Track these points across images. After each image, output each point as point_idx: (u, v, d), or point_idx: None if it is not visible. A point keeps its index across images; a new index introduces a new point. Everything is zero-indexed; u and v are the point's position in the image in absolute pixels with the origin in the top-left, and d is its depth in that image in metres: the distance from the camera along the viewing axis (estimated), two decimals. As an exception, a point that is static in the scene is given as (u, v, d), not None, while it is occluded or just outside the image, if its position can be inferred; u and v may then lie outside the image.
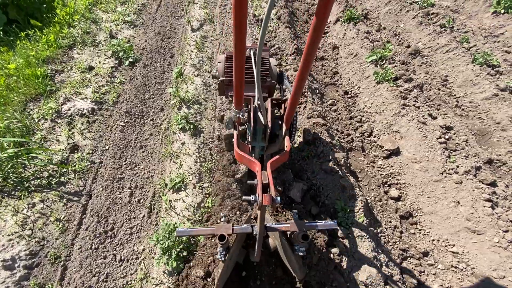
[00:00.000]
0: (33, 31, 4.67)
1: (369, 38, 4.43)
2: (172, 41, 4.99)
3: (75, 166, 3.02)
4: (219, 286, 1.75)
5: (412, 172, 2.87)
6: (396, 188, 2.85)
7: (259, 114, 1.79)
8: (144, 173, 3.04)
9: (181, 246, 2.23)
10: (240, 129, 1.94)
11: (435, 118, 3.24)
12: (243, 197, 1.61)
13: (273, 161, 1.66)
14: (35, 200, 2.74)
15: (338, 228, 2.03)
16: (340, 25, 4.88)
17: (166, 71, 4.38)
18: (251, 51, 2.13)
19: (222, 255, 1.62)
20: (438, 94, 3.80)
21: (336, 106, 3.68)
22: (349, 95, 3.88)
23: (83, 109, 3.59)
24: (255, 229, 1.62)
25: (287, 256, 1.75)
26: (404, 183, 2.86)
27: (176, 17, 5.60)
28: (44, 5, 5.39)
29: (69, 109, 3.56)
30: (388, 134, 3.22)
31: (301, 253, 1.64)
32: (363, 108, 3.65)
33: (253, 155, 2.09)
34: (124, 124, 3.48)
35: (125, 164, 3.10)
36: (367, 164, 3.08)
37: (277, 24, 4.88)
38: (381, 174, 2.98)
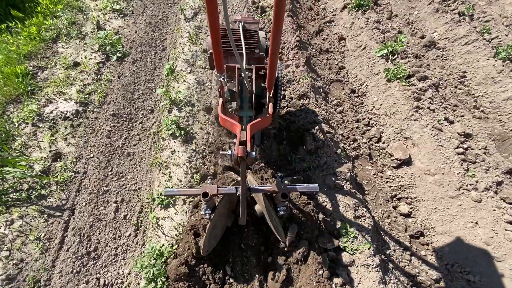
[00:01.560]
0: (14, 22, 4.32)
1: (379, 29, 4.01)
2: (164, 32, 4.61)
3: (57, 177, 2.79)
4: (206, 245, 1.85)
5: (424, 185, 2.59)
6: (406, 203, 2.59)
7: (245, 81, 1.84)
8: (131, 184, 2.81)
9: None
10: (224, 96, 1.98)
11: (452, 122, 2.91)
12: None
13: (253, 123, 1.74)
14: (13, 217, 2.54)
15: (318, 191, 2.03)
16: (348, 13, 4.44)
17: (157, 67, 4.04)
18: (240, 23, 2.20)
19: (207, 213, 1.76)
20: (455, 92, 3.44)
21: (341, 107, 3.36)
22: (356, 94, 3.54)
23: (67, 111, 3.32)
24: (239, 190, 1.71)
25: (271, 219, 1.85)
26: (415, 198, 2.59)
27: (169, 4, 5.17)
28: (27, -8, 4.98)
29: (52, 112, 3.30)
30: (399, 140, 2.92)
31: (281, 212, 1.77)
32: (371, 110, 3.32)
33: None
34: (110, 129, 3.22)
35: (111, 174, 2.87)
36: (374, 174, 2.81)
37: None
38: (390, 186, 2.71)
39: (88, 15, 4.76)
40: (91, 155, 2.99)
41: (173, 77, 3.69)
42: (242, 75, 1.83)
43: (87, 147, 3.08)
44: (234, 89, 2.03)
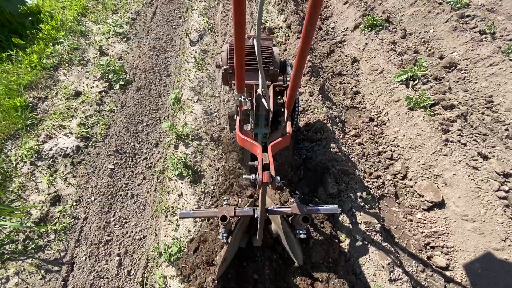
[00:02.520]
0: (15, 51, 4.19)
1: (395, 50, 3.79)
2: (168, 56, 4.44)
3: (55, 224, 2.57)
4: (221, 268, 1.80)
5: (462, 233, 2.31)
6: (442, 253, 2.31)
7: (263, 100, 1.81)
8: (136, 232, 2.57)
9: None
10: (242, 114, 1.94)
11: (486, 158, 2.65)
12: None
13: (274, 144, 1.73)
14: (9, 273, 2.31)
15: (338, 212, 2.03)
16: (360, 33, 4.24)
17: (161, 94, 3.85)
18: (254, 40, 2.06)
19: (224, 237, 1.70)
20: (483, 119, 3.18)
21: (360, 138, 3.12)
22: (375, 123, 3.30)
23: (67, 148, 3.12)
24: (257, 212, 1.69)
25: (288, 240, 1.81)
26: (452, 247, 2.31)
27: (173, 26, 5.03)
28: (30, 18, 4.88)
29: (51, 149, 3.10)
30: (428, 178, 2.66)
31: (302, 236, 1.70)
32: (393, 141, 3.07)
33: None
34: (113, 167, 3.00)
35: (113, 221, 2.63)
36: (403, 217, 2.54)
37: (286, 34, 4.28)
38: (422, 232, 2.44)
39: (91, 40, 4.63)
40: (92, 198, 2.77)
41: (178, 107, 3.49)
42: (259, 92, 1.81)
43: (88, 188, 2.86)
44: (250, 108, 1.98)
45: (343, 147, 2.82)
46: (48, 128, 3.29)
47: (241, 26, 1.18)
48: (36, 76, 3.96)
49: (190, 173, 2.75)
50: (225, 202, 1.89)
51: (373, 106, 3.45)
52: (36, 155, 3.06)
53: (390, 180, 2.76)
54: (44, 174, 2.95)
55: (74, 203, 2.75)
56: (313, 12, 1.13)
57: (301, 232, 1.71)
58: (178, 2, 5.62)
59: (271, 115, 1.93)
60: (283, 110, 1.97)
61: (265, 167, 1.49)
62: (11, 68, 4.04)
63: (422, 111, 3.02)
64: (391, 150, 2.98)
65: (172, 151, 3.02)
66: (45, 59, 4.19)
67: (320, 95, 3.21)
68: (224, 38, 4.58)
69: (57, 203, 2.76)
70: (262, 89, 1.76)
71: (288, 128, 1.87)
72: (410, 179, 2.75)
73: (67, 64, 4.16)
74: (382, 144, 3.10)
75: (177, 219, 2.49)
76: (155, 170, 2.98)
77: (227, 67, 2.21)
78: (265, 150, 1.65)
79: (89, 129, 3.32)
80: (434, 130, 2.83)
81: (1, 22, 4.56)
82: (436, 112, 3.01)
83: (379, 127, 3.26)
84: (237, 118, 1.96)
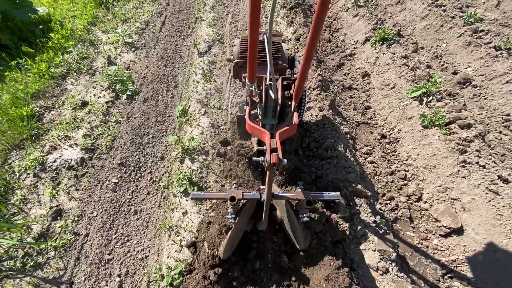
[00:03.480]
0: (24, 59, 4.20)
1: (407, 65, 3.70)
2: (176, 67, 4.41)
3: (56, 240, 2.49)
4: (227, 249, 1.85)
5: (483, 263, 2.16)
6: (462, 284, 2.16)
7: (270, 91, 1.88)
8: (138, 251, 2.47)
9: None
10: (253, 104, 2.06)
11: (506, 181, 2.51)
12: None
13: (281, 131, 1.81)
14: (5, 292, 2.22)
15: (340, 199, 2.14)
16: (371, 47, 4.17)
17: (168, 106, 3.80)
18: (265, 36, 2.17)
19: (232, 217, 1.77)
20: (500, 139, 3.05)
21: (372, 156, 3.00)
22: (387, 140, 3.19)
23: (71, 160, 3.06)
24: (263, 195, 1.74)
25: (292, 225, 1.87)
26: (472, 278, 2.16)
27: (182, 37, 5.02)
28: (40, 26, 4.92)
29: (55, 161, 3.05)
30: (444, 201, 2.52)
31: (305, 219, 1.79)
32: (407, 160, 2.95)
33: None
34: (117, 180, 2.93)
35: (115, 238, 2.54)
36: (418, 243, 2.40)
37: (296, 47, 4.22)
38: (439, 260, 2.30)
39: (100, 49, 4.64)
40: (94, 213, 2.69)
41: (185, 119, 3.42)
42: (268, 84, 1.88)
43: (91, 202, 2.78)
44: (258, 98, 2.14)
45: (355, 165, 2.71)
46: (53, 138, 3.25)
47: (256, 19, 1.28)
48: (44, 85, 3.95)
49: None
50: (233, 186, 2.01)
51: (385, 122, 3.35)
52: (40, 166, 3.01)
53: (404, 202, 2.63)
54: (47, 186, 2.89)
55: (76, 218, 2.68)
56: (321, 11, 1.21)
57: (304, 215, 1.80)
58: (187, 12, 5.64)
59: (278, 106, 2.03)
60: (290, 102, 2.10)
61: (273, 150, 1.58)
62: (20, 76, 4.04)
63: (437, 129, 2.91)
64: (404, 170, 2.86)
65: (177, 165, 2.94)
66: (54, 68, 4.20)
67: (331, 111, 3.12)
68: (233, 49, 4.55)
69: (58, 218, 2.69)
70: (271, 81, 1.84)
71: (295, 118, 1.98)
72: (426, 202, 2.62)
73: (75, 73, 4.15)
74: (395, 162, 2.98)
75: (180, 239, 2.39)
76: (160, 185, 2.90)
77: (238, 60, 2.36)
78: (273, 137, 1.74)
79: (94, 140, 3.27)
80: (451, 151, 2.71)
81: (11, 30, 4.60)
82: (452, 131, 2.90)
83: (391, 145, 3.14)
84: (247, 108, 2.09)
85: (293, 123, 1.96)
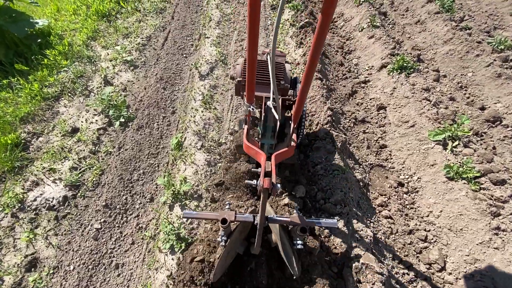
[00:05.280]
0: (16, 78, 3.99)
1: (429, 100, 3.31)
2: (176, 89, 4.13)
3: (25, 299, 2.21)
4: (218, 271, 1.80)
5: None
6: None
7: (273, 110, 1.86)
8: (115, 319, 2.17)
9: None
10: (250, 124, 2.08)
11: (551, 257, 2.11)
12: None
13: (278, 154, 1.81)
14: None
15: (337, 227, 2.07)
16: (387, 75, 3.79)
17: (164, 135, 3.51)
18: (268, 55, 2.19)
19: (223, 240, 1.75)
20: (539, 194, 2.63)
21: (388, 209, 2.63)
22: (405, 189, 2.81)
23: (53, 198, 2.80)
24: (257, 218, 1.72)
25: (286, 251, 1.82)
26: None
27: (184, 55, 4.75)
28: (39, 40, 4.72)
29: (35, 199, 2.79)
30: (473, 277, 2.14)
31: (299, 246, 1.73)
32: (428, 216, 2.57)
33: None
34: (99, 226, 2.64)
35: (91, 300, 2.25)
36: (442, 329, 2.02)
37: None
38: None
39: (98, 66, 4.41)
40: (71, 267, 2.40)
41: (179, 154, 3.12)
42: (268, 104, 1.89)
43: (69, 251, 2.50)
44: (258, 117, 2.20)
45: (367, 222, 2.35)
46: (37, 170, 3.00)
47: (254, 42, 1.30)
48: (35, 107, 3.72)
49: (183, 246, 2.34)
50: (227, 206, 1.94)
51: (403, 167, 2.97)
52: (19, 205, 2.76)
53: (424, 272, 2.25)
54: (25, 229, 2.63)
55: (52, 271, 2.39)
56: (321, 32, 1.22)
57: (298, 242, 1.75)
58: (191, 27, 5.37)
59: (278, 124, 2.05)
60: (290, 122, 2.10)
61: (267, 174, 1.56)
62: (11, 96, 3.83)
63: (464, 183, 2.52)
64: (425, 230, 2.48)
65: (166, 213, 2.63)
66: (47, 88, 3.98)
67: (342, 154, 2.77)
68: (236, 67, 4.24)
69: (32, 269, 2.42)
70: (273, 102, 1.84)
71: (294, 139, 2.00)
72: (450, 273, 2.23)
73: (69, 95, 3.92)
74: (413, 218, 2.60)
75: (163, 311, 2.08)
76: (145, 235, 2.60)
77: (241, 79, 2.38)
78: (269, 159, 1.74)
79: (80, 175, 3.00)
80: (481, 212, 2.32)
81: (6, 45, 4.41)
82: (482, 186, 2.50)
83: (410, 195, 2.76)
84: (245, 127, 2.10)
85: (292, 145, 1.96)
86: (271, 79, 1.61)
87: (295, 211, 1.97)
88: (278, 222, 1.81)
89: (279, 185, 1.52)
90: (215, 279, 1.85)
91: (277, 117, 1.87)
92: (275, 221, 1.81)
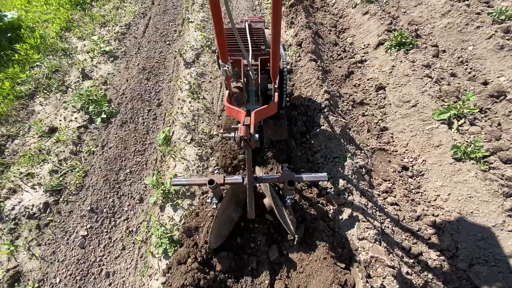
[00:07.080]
0: (-16, 76, 3.66)
1: (431, 77, 3.12)
2: (160, 80, 3.85)
3: (8, 318, 2.03)
4: (214, 236, 1.84)
5: None
6: None
7: (250, 73, 1.91)
8: (108, 332, 2.01)
9: None
10: (231, 87, 2.07)
11: None
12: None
13: (258, 110, 1.81)
14: None
15: (327, 180, 1.99)
16: (385, 53, 3.57)
17: (150, 130, 3.27)
18: (246, 22, 2.35)
19: (214, 202, 1.86)
20: (549, 171, 2.51)
21: (392, 195, 2.49)
22: (409, 173, 2.66)
23: (32, 206, 2.57)
24: (246, 179, 1.76)
25: (279, 211, 1.83)
26: None
27: (167, 42, 4.43)
28: (9, 34, 4.33)
29: (13, 208, 2.56)
30: (487, 262, 2.02)
31: (288, 202, 1.82)
32: (435, 200, 2.44)
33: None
34: (86, 233, 2.44)
35: (81, 313, 2.08)
36: (456, 318, 1.91)
37: (297, 54, 3.63)
38: None
39: (74, 59, 4.07)
40: (57, 279, 2.22)
41: (168, 150, 2.90)
42: (248, 69, 1.90)
43: (54, 262, 2.31)
44: (241, 85, 2.20)
45: (373, 211, 2.20)
46: (14, 176, 2.76)
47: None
48: (8, 107, 3.42)
49: (177, 248, 2.16)
50: (216, 171, 1.97)
51: (406, 149, 2.81)
52: (-4, 215, 2.53)
53: (434, 260, 2.13)
54: (5, 241, 2.41)
55: (36, 284, 2.21)
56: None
57: (288, 198, 1.80)
58: (173, 12, 5.01)
59: (260, 90, 2.14)
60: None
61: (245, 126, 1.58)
62: (-20, 97, 3.51)
63: (473, 163, 2.38)
64: (433, 215, 2.35)
65: (157, 215, 2.44)
66: (19, 86, 3.66)
67: (342, 139, 2.59)
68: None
69: (16, 284, 2.23)
70: (252, 66, 1.83)
71: (275, 97, 1.99)
72: (462, 260, 2.11)
73: (44, 91, 3.61)
74: (420, 203, 2.46)
75: (159, 321, 1.92)
76: (136, 239, 2.41)
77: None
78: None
79: (61, 178, 2.77)
80: (493, 194, 2.19)
81: (-27, 42, 4.03)
82: (491, 165, 2.36)
83: (415, 179, 2.62)
84: (226, 92, 2.11)
85: (274, 101, 1.96)
86: (245, 45, 1.66)
87: (285, 168, 2.10)
88: (267, 180, 1.84)
89: (257, 136, 1.55)
90: (214, 246, 1.88)
91: (253, 76, 1.95)
92: (264, 180, 1.84)
